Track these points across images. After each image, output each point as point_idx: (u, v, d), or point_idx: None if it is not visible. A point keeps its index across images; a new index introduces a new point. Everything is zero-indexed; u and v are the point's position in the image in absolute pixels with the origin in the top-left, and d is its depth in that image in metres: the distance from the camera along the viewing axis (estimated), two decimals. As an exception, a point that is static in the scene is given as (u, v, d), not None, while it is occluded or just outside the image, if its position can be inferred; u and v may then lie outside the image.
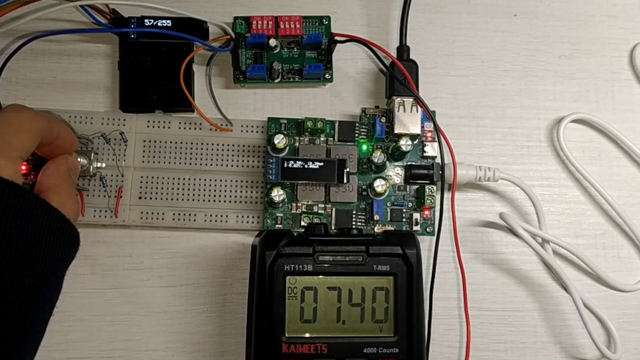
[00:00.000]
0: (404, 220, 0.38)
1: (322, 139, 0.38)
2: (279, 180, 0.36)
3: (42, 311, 0.28)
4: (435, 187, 0.37)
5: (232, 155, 0.38)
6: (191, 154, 0.38)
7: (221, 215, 0.37)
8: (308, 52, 0.39)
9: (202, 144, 0.38)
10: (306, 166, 0.36)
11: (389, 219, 0.38)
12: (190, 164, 0.38)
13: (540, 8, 0.43)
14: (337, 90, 0.40)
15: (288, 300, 0.33)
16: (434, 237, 0.38)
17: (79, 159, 0.35)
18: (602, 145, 0.41)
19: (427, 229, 0.38)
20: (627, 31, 0.43)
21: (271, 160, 0.36)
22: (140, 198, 0.37)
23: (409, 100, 0.38)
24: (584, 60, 0.42)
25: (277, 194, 0.36)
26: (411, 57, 0.40)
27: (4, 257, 0.25)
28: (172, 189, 0.37)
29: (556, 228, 0.40)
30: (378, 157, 0.37)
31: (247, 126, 0.38)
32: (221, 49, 0.39)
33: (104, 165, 0.37)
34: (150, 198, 0.37)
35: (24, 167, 0.36)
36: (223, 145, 0.38)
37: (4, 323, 0.25)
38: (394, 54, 0.40)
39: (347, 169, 0.37)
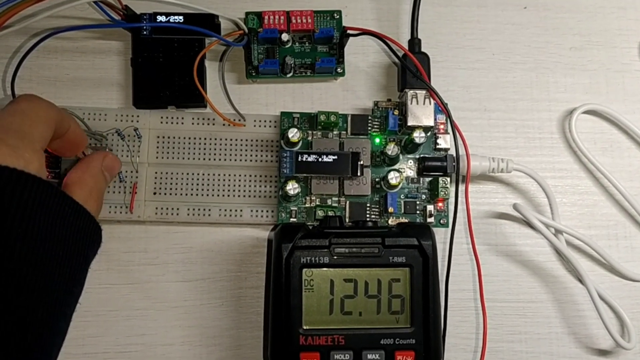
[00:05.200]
0: (418, 212, 0.38)
1: (335, 132, 0.38)
2: (294, 174, 0.36)
3: (68, 307, 0.28)
4: (448, 179, 0.37)
5: (246, 150, 0.38)
6: (205, 149, 0.38)
7: (235, 210, 0.38)
8: (320, 46, 0.39)
9: (215, 139, 0.38)
10: (320, 160, 0.36)
11: (402, 211, 0.38)
12: (204, 159, 0.38)
13: (550, 0, 0.43)
14: (349, 84, 0.41)
15: (305, 292, 0.33)
16: (448, 229, 0.38)
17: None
18: (614, 136, 0.41)
19: (441, 221, 0.38)
20: (637, 22, 0.43)
21: (285, 154, 0.36)
22: (154, 194, 0.37)
23: (421, 93, 0.38)
24: (594, 51, 0.42)
25: (292, 188, 0.36)
26: (422, 50, 0.40)
27: (33, 254, 0.25)
28: (187, 184, 0.38)
29: (569, 219, 0.40)
30: (391, 149, 0.37)
31: (260, 121, 0.39)
32: (235, 43, 0.39)
33: (118, 161, 0.37)
34: (165, 194, 0.37)
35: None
36: (236, 140, 0.38)
37: (33, 320, 0.25)
38: (405, 47, 0.40)
39: (361, 162, 0.37)
